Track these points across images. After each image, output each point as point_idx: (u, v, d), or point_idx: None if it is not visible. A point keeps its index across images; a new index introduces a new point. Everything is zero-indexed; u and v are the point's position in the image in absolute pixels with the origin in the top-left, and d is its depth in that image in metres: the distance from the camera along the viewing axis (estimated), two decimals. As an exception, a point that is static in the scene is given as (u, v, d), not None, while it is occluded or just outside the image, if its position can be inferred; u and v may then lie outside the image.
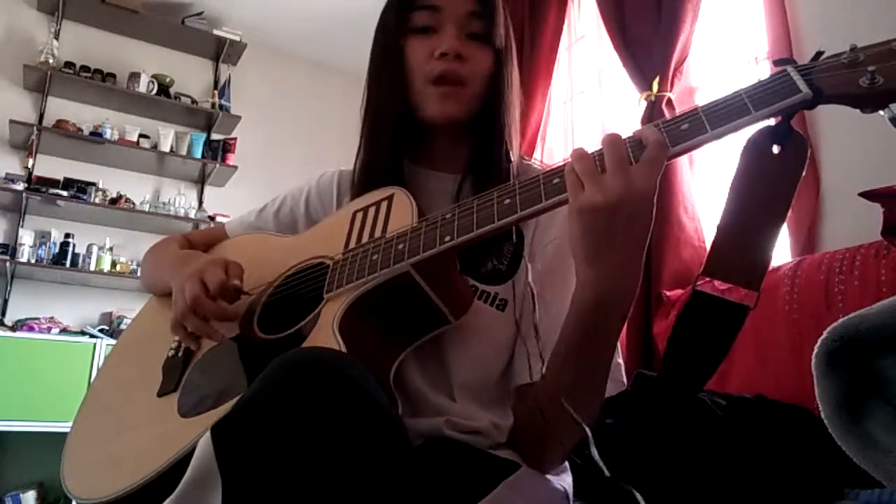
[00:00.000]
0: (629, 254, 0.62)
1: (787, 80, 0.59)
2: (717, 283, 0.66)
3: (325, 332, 0.71)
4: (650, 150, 0.60)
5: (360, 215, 0.85)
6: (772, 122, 0.61)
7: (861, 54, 0.57)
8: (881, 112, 0.56)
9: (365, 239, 0.81)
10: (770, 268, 0.66)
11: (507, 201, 0.68)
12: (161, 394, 0.85)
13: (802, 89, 0.57)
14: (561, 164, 0.67)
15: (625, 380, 0.81)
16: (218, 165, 3.69)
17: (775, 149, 0.62)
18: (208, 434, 0.56)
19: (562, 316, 0.74)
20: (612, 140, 0.62)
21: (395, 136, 0.87)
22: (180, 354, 0.88)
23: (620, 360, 0.80)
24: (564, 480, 0.82)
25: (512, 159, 0.87)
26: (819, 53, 0.61)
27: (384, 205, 0.83)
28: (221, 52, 3.92)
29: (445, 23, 0.84)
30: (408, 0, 0.86)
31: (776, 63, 0.62)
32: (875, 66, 0.55)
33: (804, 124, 1.53)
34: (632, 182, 0.59)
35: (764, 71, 1.79)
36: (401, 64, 0.86)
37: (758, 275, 0.64)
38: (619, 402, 0.89)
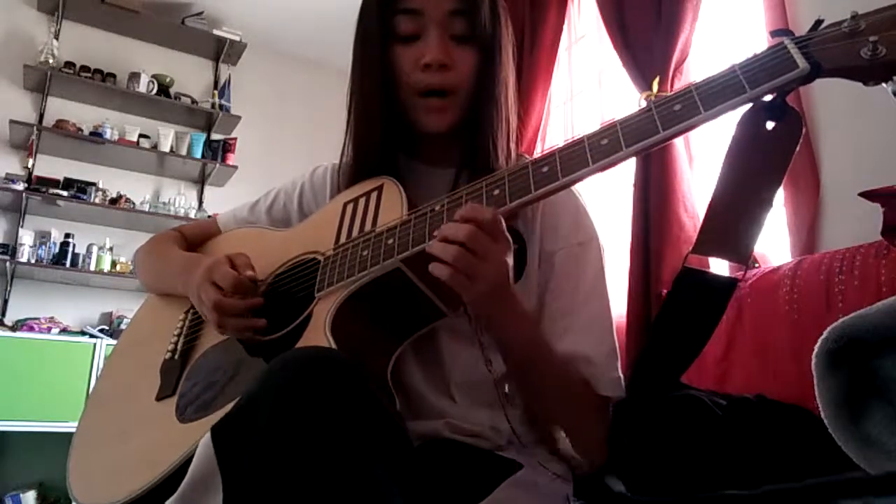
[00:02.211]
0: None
1: (783, 53, 0.56)
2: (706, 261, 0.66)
3: (318, 333, 0.71)
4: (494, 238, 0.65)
5: (350, 206, 0.84)
6: (767, 96, 0.59)
7: (862, 22, 0.54)
8: (884, 84, 0.54)
9: (355, 232, 0.80)
10: (757, 245, 0.65)
11: (497, 192, 0.68)
12: (160, 398, 0.84)
13: (800, 63, 0.55)
14: (550, 150, 0.67)
15: (624, 392, 0.80)
16: (218, 165, 3.69)
17: (769, 125, 0.61)
18: (208, 435, 0.56)
19: (570, 329, 0.76)
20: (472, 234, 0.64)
21: (385, 132, 0.86)
22: (177, 357, 0.88)
23: (620, 374, 0.80)
24: (565, 480, 0.82)
25: (511, 154, 0.86)
26: (818, 22, 0.58)
27: (374, 195, 0.82)
28: (221, 52, 3.92)
29: (428, 27, 0.81)
30: (387, 4, 0.83)
31: (773, 34, 0.59)
32: (877, 35, 0.52)
33: (805, 121, 1.52)
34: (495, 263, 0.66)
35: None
36: (386, 71, 0.83)
37: (748, 250, 0.64)
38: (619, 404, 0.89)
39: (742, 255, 0.64)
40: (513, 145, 0.87)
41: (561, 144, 0.67)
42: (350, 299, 0.74)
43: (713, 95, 0.58)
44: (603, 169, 0.63)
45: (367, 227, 0.79)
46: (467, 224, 0.64)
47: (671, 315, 0.69)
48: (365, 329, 0.75)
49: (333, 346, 0.68)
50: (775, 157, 0.61)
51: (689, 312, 0.68)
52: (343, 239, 0.81)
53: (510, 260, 0.67)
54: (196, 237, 1.07)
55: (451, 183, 0.85)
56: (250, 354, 0.79)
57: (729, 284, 0.67)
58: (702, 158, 1.97)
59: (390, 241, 0.73)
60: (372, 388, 0.57)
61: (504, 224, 0.66)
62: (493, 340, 0.74)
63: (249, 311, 0.78)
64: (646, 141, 0.60)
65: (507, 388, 0.78)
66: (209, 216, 3.61)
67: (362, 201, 0.83)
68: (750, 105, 0.60)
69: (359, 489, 0.50)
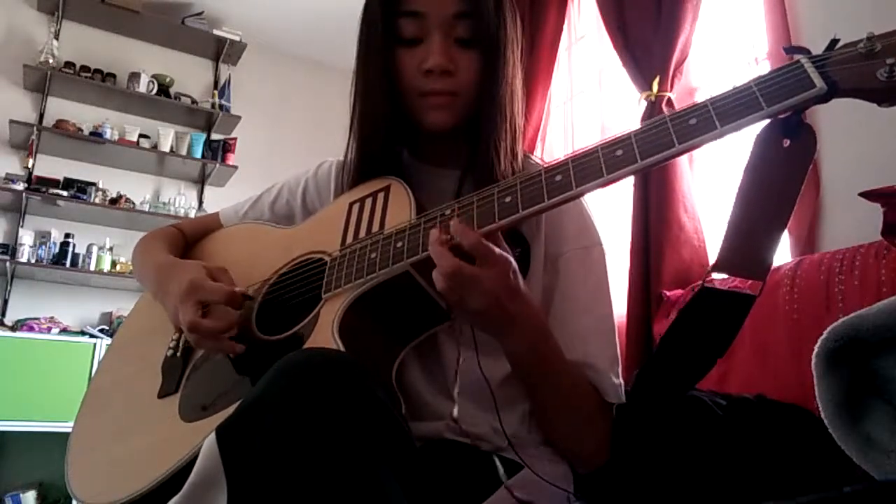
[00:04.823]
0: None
1: (800, 72, 0.56)
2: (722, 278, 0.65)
3: (325, 335, 0.71)
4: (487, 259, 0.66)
5: (356, 207, 0.84)
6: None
7: (878, 43, 0.54)
8: None
9: (362, 233, 0.80)
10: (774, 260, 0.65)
11: (508, 199, 0.67)
12: (162, 395, 0.84)
13: (817, 83, 0.54)
14: (562, 159, 0.67)
15: (623, 399, 0.81)
16: (218, 165, 3.69)
17: (785, 142, 0.60)
18: (213, 435, 0.56)
19: (572, 335, 0.77)
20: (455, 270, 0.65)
21: (389, 133, 0.85)
22: (178, 354, 0.87)
23: (621, 381, 0.81)
24: (567, 480, 0.82)
25: (516, 155, 0.85)
26: (834, 41, 0.57)
27: (381, 196, 0.82)
28: (221, 52, 3.92)
29: (431, 30, 0.80)
30: (391, 7, 0.82)
31: (788, 51, 0.59)
32: (894, 58, 0.52)
33: (804, 124, 1.52)
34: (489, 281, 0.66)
35: (765, 71, 1.78)
36: (390, 73, 0.82)
37: (765, 266, 0.64)
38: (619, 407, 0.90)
39: (762, 272, 0.64)
40: (518, 147, 0.86)
41: (571, 153, 0.67)
42: (358, 301, 0.73)
43: (729, 111, 0.57)
44: (616, 180, 0.63)
45: (375, 228, 0.79)
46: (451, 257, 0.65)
47: (685, 331, 0.69)
48: (372, 331, 0.75)
49: (341, 347, 0.68)
50: (792, 174, 0.61)
51: (706, 331, 0.68)
52: (349, 240, 0.81)
53: (504, 279, 0.66)
54: (195, 233, 1.06)
55: (456, 185, 0.84)
56: (254, 355, 0.79)
57: (746, 301, 0.67)
58: (702, 159, 1.97)
59: (399, 245, 0.72)
60: (378, 390, 0.57)
61: (490, 246, 0.66)
62: (500, 345, 0.74)
63: (226, 332, 0.77)
64: (661, 154, 0.60)
65: (492, 391, 0.77)
66: (209, 214, 3.61)
67: (369, 202, 0.83)
68: (765, 122, 0.60)
69: (364, 492, 0.50)
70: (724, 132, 0.57)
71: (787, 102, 0.56)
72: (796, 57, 0.58)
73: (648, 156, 0.60)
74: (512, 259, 0.68)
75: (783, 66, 0.57)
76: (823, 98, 0.55)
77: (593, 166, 0.63)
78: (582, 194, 0.65)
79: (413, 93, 0.82)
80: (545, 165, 0.68)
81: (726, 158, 1.92)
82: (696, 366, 0.70)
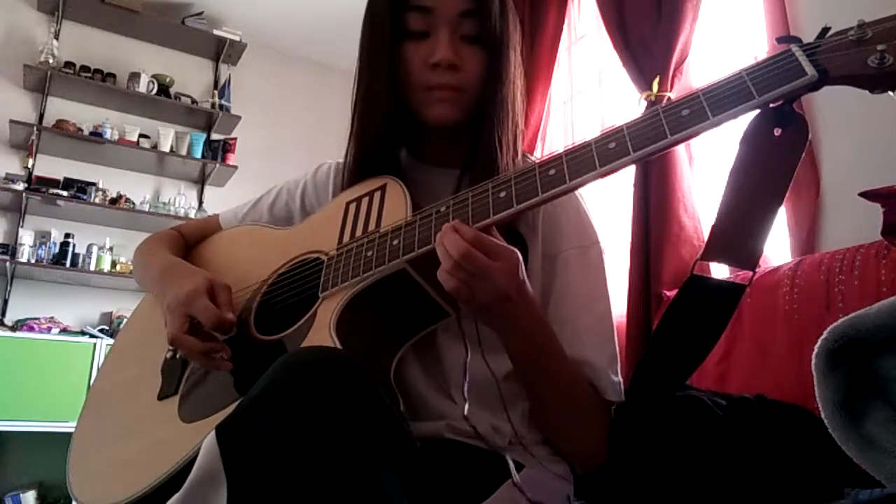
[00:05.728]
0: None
1: (791, 60, 0.56)
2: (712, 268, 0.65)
3: (322, 333, 0.71)
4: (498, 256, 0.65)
5: (352, 206, 0.84)
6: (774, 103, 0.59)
7: (869, 30, 0.54)
8: (891, 93, 0.54)
9: (359, 232, 0.80)
10: (764, 250, 0.65)
11: (503, 194, 0.67)
12: (161, 397, 0.84)
13: (808, 71, 0.54)
14: (556, 154, 0.67)
15: (623, 397, 0.81)
16: (218, 165, 3.70)
17: (776, 131, 0.61)
18: (213, 434, 0.56)
19: (571, 334, 0.77)
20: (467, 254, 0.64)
21: (388, 130, 0.85)
22: (178, 356, 0.87)
23: (619, 379, 0.81)
24: (566, 480, 0.82)
25: (517, 153, 0.85)
26: (825, 30, 0.58)
27: (377, 195, 0.82)
28: (221, 52, 3.92)
29: (438, 26, 0.81)
30: (399, 0, 0.83)
31: (779, 41, 0.59)
32: (885, 44, 0.52)
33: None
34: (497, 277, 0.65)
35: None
36: (395, 67, 0.83)
37: (755, 256, 0.64)
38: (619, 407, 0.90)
39: (751, 261, 0.64)
40: (519, 146, 0.86)
41: (566, 147, 0.67)
42: (355, 300, 0.74)
43: (721, 101, 0.57)
44: (610, 173, 0.63)
45: (371, 227, 0.79)
46: (463, 242, 0.64)
47: (677, 322, 0.69)
48: (369, 330, 0.75)
49: (339, 346, 0.68)
50: (782, 164, 0.61)
51: (696, 319, 0.68)
52: (346, 239, 0.81)
53: (513, 271, 0.66)
54: (196, 236, 1.07)
55: (455, 184, 0.85)
56: (253, 355, 0.79)
57: (736, 290, 0.67)
58: (702, 158, 1.97)
59: (395, 242, 0.72)
60: (377, 388, 0.57)
61: (491, 240, 0.65)
62: (502, 343, 0.74)
63: (207, 354, 0.76)
64: (654, 146, 0.60)
65: (500, 388, 0.77)
66: (209, 216, 3.61)
67: (365, 201, 0.83)
68: (756, 111, 0.59)
69: (364, 490, 0.50)
70: (717, 122, 0.57)
71: (778, 91, 0.56)
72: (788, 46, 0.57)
73: (641, 147, 0.60)
74: (518, 253, 0.67)
75: (774, 55, 0.57)
76: (814, 86, 0.55)
77: (586, 159, 0.64)
78: (576, 188, 0.65)
79: (418, 87, 0.83)
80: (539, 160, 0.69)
81: (727, 158, 1.92)
82: (690, 357, 0.70)
